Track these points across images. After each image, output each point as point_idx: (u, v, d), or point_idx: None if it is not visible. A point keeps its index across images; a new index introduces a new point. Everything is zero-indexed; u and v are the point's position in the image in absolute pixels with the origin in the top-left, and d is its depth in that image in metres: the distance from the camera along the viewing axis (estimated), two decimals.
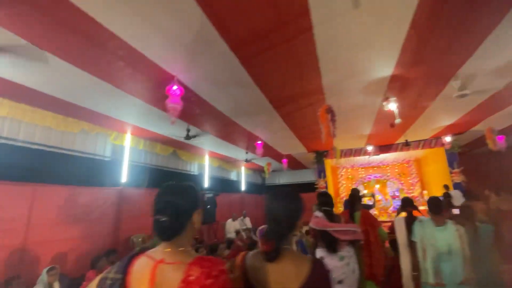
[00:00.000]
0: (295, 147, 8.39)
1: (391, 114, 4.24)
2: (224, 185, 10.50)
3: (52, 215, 4.12)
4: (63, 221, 4.26)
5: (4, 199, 3.60)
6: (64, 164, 4.69)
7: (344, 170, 11.18)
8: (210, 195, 8.39)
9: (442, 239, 2.43)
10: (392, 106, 3.92)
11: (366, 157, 8.79)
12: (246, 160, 8.65)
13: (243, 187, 12.06)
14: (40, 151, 4.36)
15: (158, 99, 4.17)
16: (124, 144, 5.74)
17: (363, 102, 4.70)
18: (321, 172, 8.99)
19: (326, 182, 8.91)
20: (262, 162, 10.60)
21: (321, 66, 3.41)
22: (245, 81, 3.67)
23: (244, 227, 8.32)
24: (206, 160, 8.99)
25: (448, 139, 6.61)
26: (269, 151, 8.34)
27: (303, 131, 6.43)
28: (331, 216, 2.55)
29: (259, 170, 14.04)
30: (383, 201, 9.96)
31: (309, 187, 13.59)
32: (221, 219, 8.52)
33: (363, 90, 4.22)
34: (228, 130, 6.08)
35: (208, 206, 8.20)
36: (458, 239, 2.37)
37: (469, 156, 7.88)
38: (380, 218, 9.29)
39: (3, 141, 3.89)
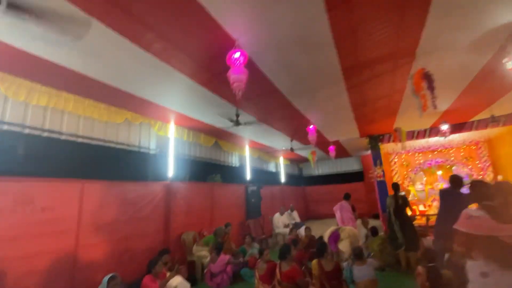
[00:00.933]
0: (346, 132, 7.46)
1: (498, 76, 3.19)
2: (265, 177, 9.88)
3: (102, 213, 3.72)
4: (114, 220, 3.86)
5: (53, 198, 3.21)
6: (110, 158, 4.29)
7: (397, 156, 9.96)
8: (254, 188, 7.82)
9: None
10: None
11: (433, 139, 7.61)
12: (291, 149, 7.90)
13: (282, 178, 11.36)
14: (85, 145, 3.97)
15: (209, 76, 3.55)
16: (168, 135, 5.27)
17: (459, 64, 3.67)
18: (377, 159, 7.94)
19: (383, 171, 7.87)
20: (304, 151, 9.79)
21: (431, 9, 2.51)
22: (322, 39, 2.87)
23: (293, 222, 7.64)
24: (247, 151, 8.39)
25: None
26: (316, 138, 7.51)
27: (365, 109, 5.50)
28: (497, 215, 1.72)
29: (297, 161, 13.24)
30: None
31: (354, 177, 12.55)
32: (265, 213, 7.94)
33: (469, 46, 3.22)
34: (280, 114, 5.35)
35: (253, 200, 7.64)
36: None
37: None
38: None
39: (46, 134, 3.52)
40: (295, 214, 8.17)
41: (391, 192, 5.00)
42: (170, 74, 3.40)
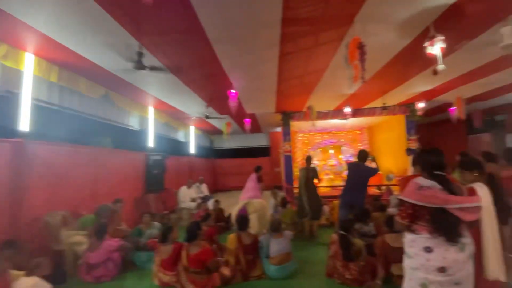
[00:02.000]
0: (265, 105, 7.26)
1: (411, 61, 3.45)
2: (172, 146, 8.71)
3: None
4: None
5: None
6: None
7: (301, 134, 10.81)
8: (158, 157, 6.67)
9: None
10: (437, 48, 3.12)
11: (331, 121, 8.45)
12: (206, 117, 7.05)
13: (192, 149, 10.42)
14: None
15: None
16: (21, 69, 3.42)
17: (384, 42, 3.72)
18: (287, 135, 8.23)
19: (290, 146, 8.24)
20: (218, 122, 9.11)
21: None
22: None
23: (201, 195, 7.05)
24: (151, 112, 6.93)
25: (421, 105, 6.60)
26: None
27: (288, 83, 5.31)
28: (448, 185, 1.61)
29: (209, 132, 12.48)
30: (338, 165, 10.11)
31: (261, 152, 13.02)
32: (169, 186, 6.98)
33: (400, 23, 3.26)
34: (199, 66, 4.40)
35: (155, 171, 6.52)
36: None
37: (422, 124, 8.41)
38: (335, 182, 9.43)
39: None
40: (203, 187, 7.57)
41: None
42: None
